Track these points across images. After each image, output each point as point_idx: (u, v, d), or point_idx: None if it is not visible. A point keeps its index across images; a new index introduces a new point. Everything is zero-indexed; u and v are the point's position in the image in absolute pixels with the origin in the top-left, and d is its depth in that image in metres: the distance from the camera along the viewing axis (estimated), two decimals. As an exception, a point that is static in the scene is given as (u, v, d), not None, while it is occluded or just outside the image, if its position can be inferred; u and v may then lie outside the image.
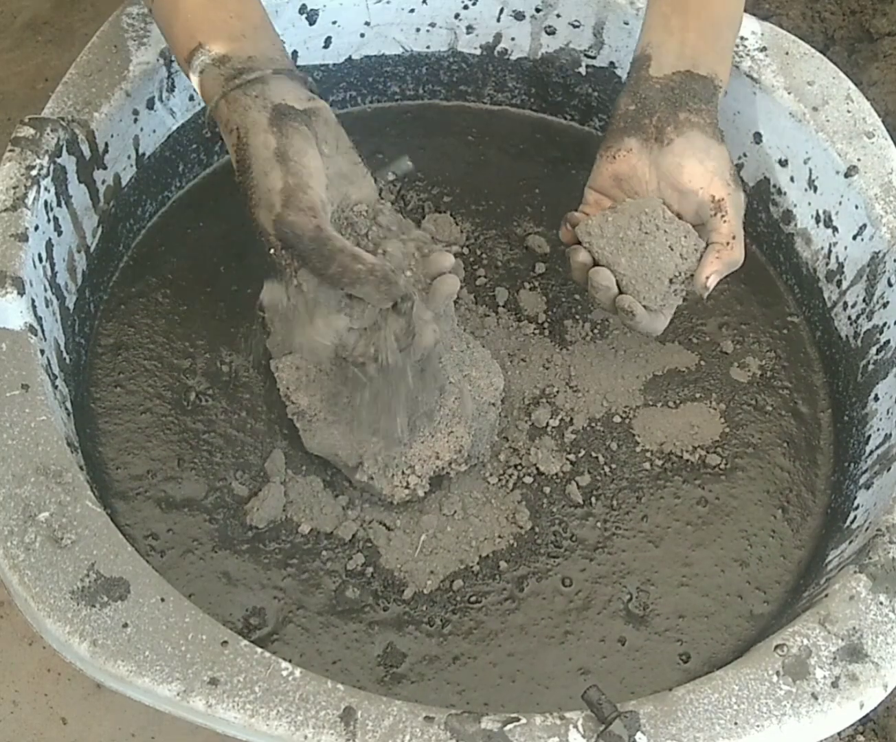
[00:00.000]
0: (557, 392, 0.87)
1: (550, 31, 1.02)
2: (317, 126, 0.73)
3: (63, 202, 0.81)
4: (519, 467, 0.83)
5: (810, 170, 0.94)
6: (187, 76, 0.76)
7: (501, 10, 1.01)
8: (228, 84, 0.72)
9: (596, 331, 0.91)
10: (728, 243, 0.81)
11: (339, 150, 0.75)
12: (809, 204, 0.95)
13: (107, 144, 0.85)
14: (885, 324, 0.87)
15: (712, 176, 0.81)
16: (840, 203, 0.92)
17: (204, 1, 0.76)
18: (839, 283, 0.93)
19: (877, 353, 0.88)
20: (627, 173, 0.83)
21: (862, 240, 0.90)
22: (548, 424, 0.85)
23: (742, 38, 0.96)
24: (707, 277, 0.80)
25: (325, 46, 0.99)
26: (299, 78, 0.76)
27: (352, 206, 0.73)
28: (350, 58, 1.01)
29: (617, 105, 0.85)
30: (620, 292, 0.81)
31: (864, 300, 0.90)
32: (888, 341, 0.87)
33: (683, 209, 0.82)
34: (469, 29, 1.02)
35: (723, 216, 0.81)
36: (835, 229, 0.93)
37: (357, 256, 0.67)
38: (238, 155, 0.72)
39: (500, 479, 0.82)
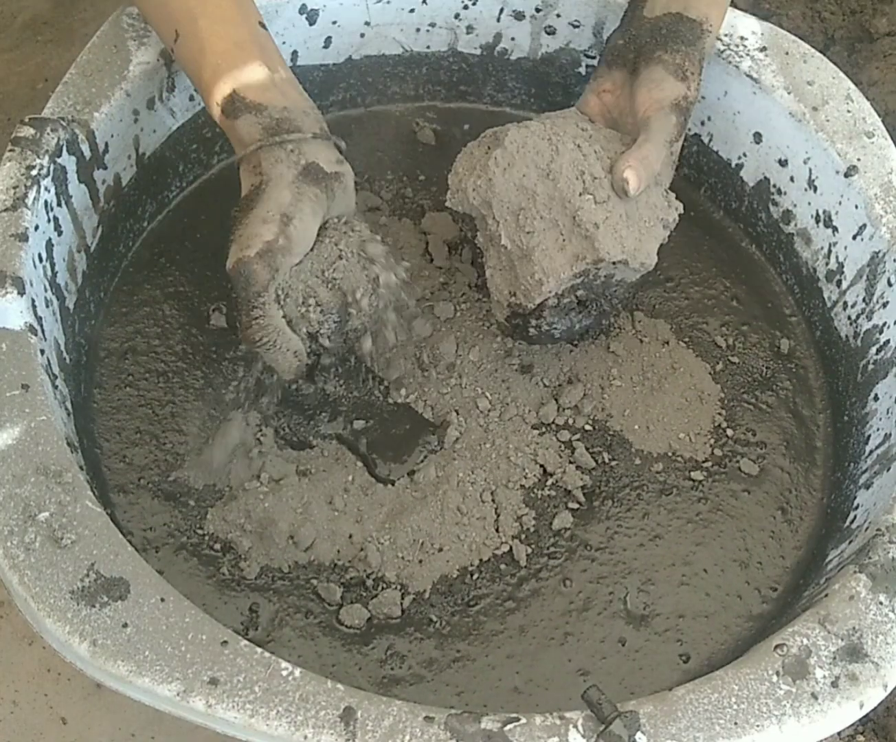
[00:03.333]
0: (558, 391, 0.87)
1: (550, 31, 1.02)
2: (336, 191, 0.77)
3: (63, 202, 0.81)
4: (519, 467, 0.83)
5: (810, 170, 0.94)
6: (213, 114, 0.79)
7: (501, 10, 1.01)
8: (269, 137, 0.76)
9: (597, 330, 0.91)
10: (641, 148, 0.81)
11: (347, 215, 0.80)
12: (809, 204, 0.95)
13: (107, 144, 0.85)
14: (884, 324, 0.87)
15: (653, 101, 0.83)
16: (840, 203, 0.92)
17: (231, 48, 0.79)
18: (839, 283, 0.93)
19: (876, 353, 0.88)
20: (611, 104, 0.87)
21: (862, 240, 0.90)
22: (550, 423, 0.85)
23: (742, 38, 0.96)
24: (622, 171, 0.79)
25: (325, 46, 0.99)
26: (328, 135, 0.79)
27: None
28: (350, 58, 1.01)
29: (608, 40, 0.90)
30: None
31: (863, 300, 0.90)
32: (888, 341, 0.87)
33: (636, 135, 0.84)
34: (469, 29, 1.02)
35: (645, 128, 0.82)
36: (835, 229, 0.93)
37: (267, 344, 0.74)
38: (251, 195, 0.75)
39: (501, 479, 0.82)
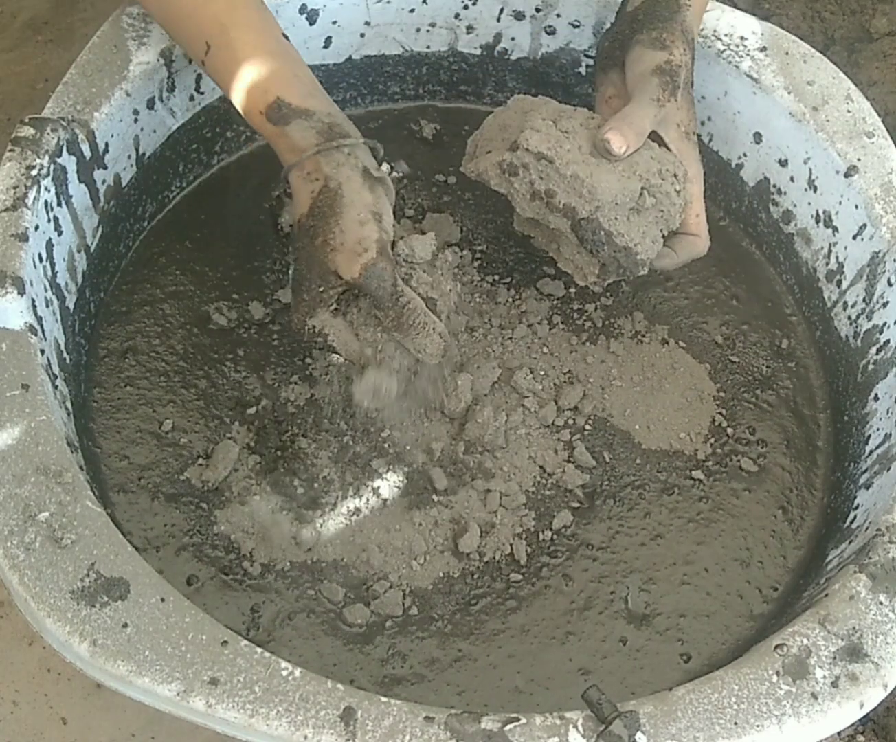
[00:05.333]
0: (559, 391, 0.87)
1: (550, 31, 1.02)
2: (387, 194, 0.79)
3: (63, 202, 0.81)
4: (520, 467, 0.83)
5: (810, 170, 0.94)
6: (253, 122, 0.79)
7: (501, 10, 1.01)
8: (325, 142, 0.77)
9: (598, 330, 0.91)
10: (623, 110, 0.81)
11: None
12: (809, 204, 0.95)
13: (107, 144, 0.85)
14: (884, 323, 0.87)
15: (635, 76, 0.84)
16: (840, 203, 0.92)
17: (267, 57, 0.79)
18: (839, 283, 0.93)
19: (877, 353, 0.88)
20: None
21: (862, 240, 0.90)
22: (551, 423, 0.85)
23: (742, 38, 0.96)
24: (603, 133, 0.79)
25: (325, 46, 0.99)
26: (366, 141, 0.80)
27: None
28: (350, 58, 1.01)
29: (599, 46, 0.91)
30: None
31: (863, 300, 0.90)
32: (888, 341, 0.87)
33: None
34: (469, 29, 1.02)
35: (630, 97, 0.83)
36: (835, 229, 0.93)
37: (425, 310, 0.76)
38: (322, 202, 0.76)
39: (501, 479, 0.82)
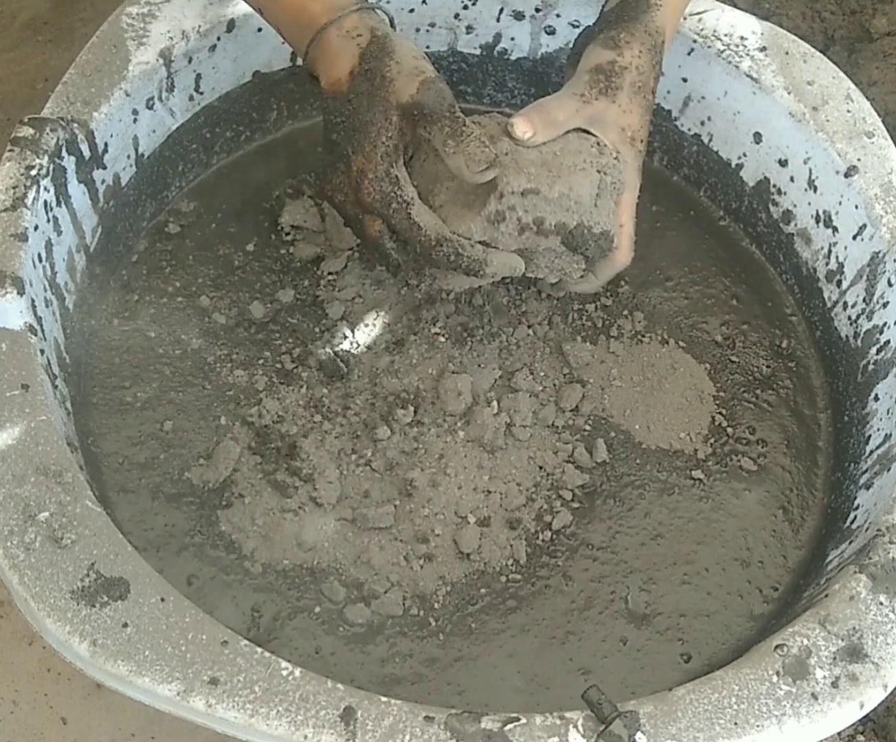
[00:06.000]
0: (559, 391, 0.87)
1: (550, 31, 1.02)
2: None
3: (63, 202, 0.81)
4: (520, 467, 0.83)
5: (810, 170, 0.94)
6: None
7: (501, 10, 1.01)
8: (364, 1, 0.80)
9: (598, 330, 0.91)
10: (541, 100, 0.81)
11: None
12: (809, 204, 0.95)
13: (106, 144, 0.85)
14: (885, 324, 0.87)
15: (575, 71, 0.84)
16: (840, 203, 0.92)
17: None
18: (839, 283, 0.93)
19: (877, 353, 0.88)
20: None
21: (862, 240, 0.90)
22: (551, 424, 0.85)
23: (742, 38, 0.96)
24: (512, 118, 0.79)
25: (325, 46, 0.99)
26: None
27: None
28: (350, 58, 1.01)
29: (573, 44, 0.89)
30: None
31: (864, 300, 0.90)
32: (888, 341, 0.87)
33: None
34: (469, 29, 1.02)
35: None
36: (835, 229, 0.93)
37: (479, 129, 0.77)
38: (373, 47, 0.77)
39: (501, 479, 0.82)
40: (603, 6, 0.89)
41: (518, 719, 0.61)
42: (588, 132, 0.81)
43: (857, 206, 0.90)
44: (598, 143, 0.81)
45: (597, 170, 0.79)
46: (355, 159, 0.77)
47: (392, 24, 0.82)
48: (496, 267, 0.78)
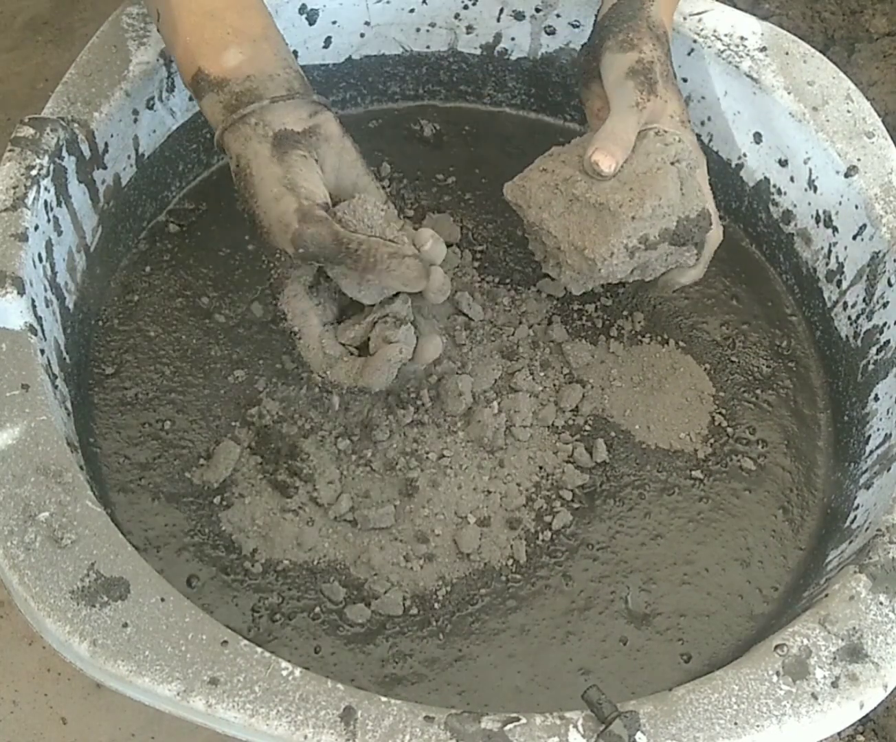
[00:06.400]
0: (559, 391, 0.87)
1: (550, 31, 1.02)
2: (318, 146, 0.75)
3: (63, 202, 0.81)
4: (520, 467, 0.83)
5: (810, 170, 0.94)
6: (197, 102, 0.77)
7: (501, 10, 1.01)
8: (228, 116, 0.73)
9: (598, 330, 0.91)
10: (605, 126, 0.81)
11: (342, 163, 0.77)
12: (809, 204, 0.95)
13: (107, 144, 0.85)
14: (885, 324, 0.87)
15: (609, 84, 0.83)
16: (840, 203, 0.92)
17: (201, 19, 0.76)
18: (839, 283, 0.93)
19: (877, 353, 0.88)
20: None
21: (862, 240, 0.90)
22: (551, 424, 0.85)
23: (742, 38, 0.96)
24: (589, 156, 0.79)
25: (325, 46, 0.99)
26: (299, 93, 0.76)
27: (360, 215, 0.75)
28: (350, 58, 1.01)
29: (577, 64, 0.90)
30: None
31: (864, 300, 0.90)
32: (888, 341, 0.87)
33: None
34: (469, 29, 1.02)
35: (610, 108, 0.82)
36: (835, 229, 0.93)
37: (382, 243, 0.71)
38: (243, 183, 0.73)
39: (501, 479, 0.82)
40: (596, 16, 0.90)
41: (518, 719, 0.61)
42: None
43: (857, 206, 0.90)
44: (657, 133, 0.82)
45: (671, 162, 0.80)
46: (275, 279, 0.75)
47: (313, 100, 0.76)
48: (380, 383, 0.74)
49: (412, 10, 1.00)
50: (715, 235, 0.85)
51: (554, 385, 0.88)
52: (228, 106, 0.74)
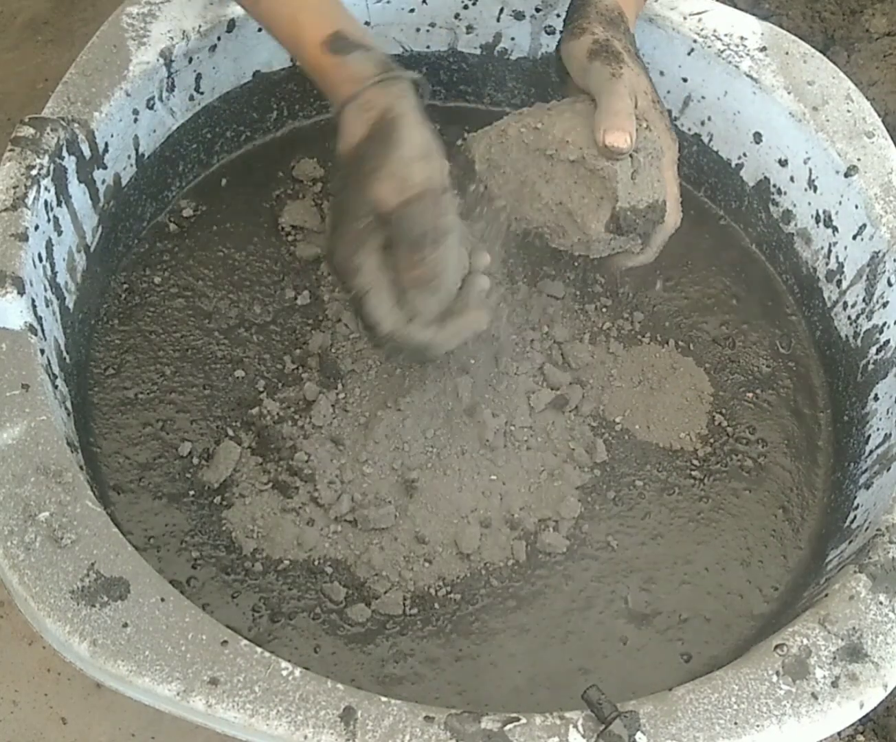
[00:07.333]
0: (559, 390, 0.87)
1: (550, 31, 1.02)
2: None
3: (63, 202, 0.81)
4: (520, 467, 0.83)
5: (810, 170, 0.94)
6: (307, 56, 0.79)
7: (501, 10, 1.01)
8: (384, 72, 0.77)
9: (598, 330, 0.91)
10: (607, 108, 0.80)
11: None
12: (809, 204, 0.95)
13: (107, 144, 0.85)
14: (884, 323, 0.88)
15: (576, 73, 0.84)
16: (840, 203, 0.92)
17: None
18: (839, 283, 0.93)
19: (877, 353, 0.88)
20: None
21: (862, 240, 0.90)
22: (551, 423, 0.85)
23: (742, 38, 0.96)
24: (603, 141, 0.79)
25: (325, 46, 0.99)
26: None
27: None
28: (350, 58, 1.01)
29: (553, 67, 0.91)
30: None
31: (863, 300, 0.90)
32: (888, 341, 0.87)
33: None
34: (469, 29, 1.02)
35: (595, 94, 0.81)
36: (835, 229, 0.93)
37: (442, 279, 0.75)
38: (378, 130, 0.75)
39: (501, 479, 0.82)
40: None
41: (518, 719, 0.61)
42: None
43: (857, 206, 0.90)
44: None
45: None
46: (333, 233, 0.77)
47: (421, 91, 0.79)
48: (440, 349, 0.78)
49: (412, 10, 1.00)
50: (670, 222, 0.84)
51: (556, 384, 0.88)
52: (381, 64, 0.77)
